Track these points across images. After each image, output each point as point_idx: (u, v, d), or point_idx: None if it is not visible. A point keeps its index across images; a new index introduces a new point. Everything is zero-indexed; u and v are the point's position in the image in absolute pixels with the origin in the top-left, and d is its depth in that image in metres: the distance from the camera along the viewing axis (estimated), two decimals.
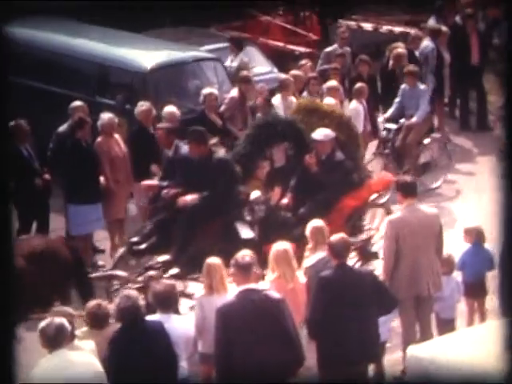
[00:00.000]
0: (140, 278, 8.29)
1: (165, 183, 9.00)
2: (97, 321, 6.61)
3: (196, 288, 8.20)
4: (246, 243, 7.96)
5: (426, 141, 11.93)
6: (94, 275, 8.60)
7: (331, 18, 16.34)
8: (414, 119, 11.71)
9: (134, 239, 8.87)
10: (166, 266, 8.45)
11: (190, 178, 8.80)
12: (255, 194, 8.83)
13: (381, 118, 11.94)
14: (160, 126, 9.68)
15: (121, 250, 9.04)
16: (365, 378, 6.99)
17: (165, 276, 8.03)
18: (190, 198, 8.66)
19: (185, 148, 9.22)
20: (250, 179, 9.13)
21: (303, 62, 12.76)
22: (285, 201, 9.06)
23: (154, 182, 9.28)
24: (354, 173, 9.23)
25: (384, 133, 11.94)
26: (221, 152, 9.10)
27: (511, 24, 10.87)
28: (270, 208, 8.88)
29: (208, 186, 8.67)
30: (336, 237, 7.07)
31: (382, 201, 9.52)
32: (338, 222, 8.17)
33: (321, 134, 9.08)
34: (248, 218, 8.75)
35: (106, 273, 8.81)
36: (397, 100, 11.89)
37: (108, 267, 9.14)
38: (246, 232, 8.59)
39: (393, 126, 11.78)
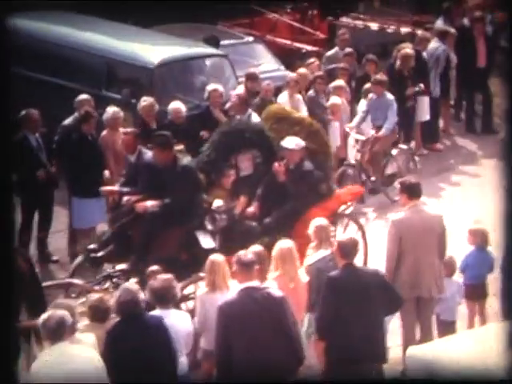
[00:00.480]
0: (97, 287, 8.08)
1: (126, 189, 8.73)
2: (98, 314, 6.62)
3: None
4: (207, 253, 7.69)
5: (394, 152, 11.61)
6: (50, 283, 8.26)
7: (333, 16, 16.27)
8: (382, 131, 11.35)
9: (92, 246, 8.58)
10: (125, 274, 8.24)
11: (153, 185, 8.51)
12: (217, 203, 8.59)
13: (347, 129, 11.57)
14: (125, 131, 9.37)
15: (79, 258, 8.76)
16: (371, 378, 6.97)
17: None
18: (149, 204, 8.37)
19: (148, 154, 8.89)
20: (214, 187, 8.88)
21: (311, 60, 12.73)
22: (251, 209, 8.79)
23: (115, 187, 8.95)
24: (323, 183, 9.02)
25: (352, 144, 11.60)
26: (185, 159, 8.68)
27: None
28: (232, 217, 8.63)
29: (170, 194, 8.37)
30: (345, 237, 7.08)
31: (348, 211, 9.38)
32: (304, 232, 7.78)
33: (291, 142, 8.86)
34: (210, 227, 8.49)
35: (62, 281, 8.51)
36: (363, 109, 11.55)
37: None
38: (206, 241, 8.32)
39: (361, 137, 11.43)
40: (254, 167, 9.09)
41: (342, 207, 9.31)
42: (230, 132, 9.15)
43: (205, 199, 8.62)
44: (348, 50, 12.94)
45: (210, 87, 10.99)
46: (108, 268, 8.62)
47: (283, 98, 11.48)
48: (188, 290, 8.11)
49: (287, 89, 11.58)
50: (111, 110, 10.16)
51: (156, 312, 6.60)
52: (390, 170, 11.60)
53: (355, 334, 6.75)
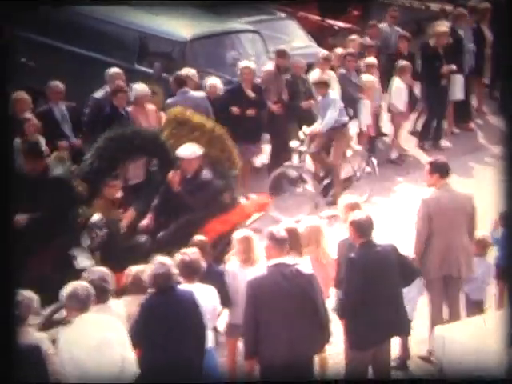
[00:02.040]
0: None
1: None
2: (134, 286, 6.65)
3: None
4: (82, 272, 6.82)
5: (348, 154, 10.83)
6: None
7: None
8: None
9: None
10: None
11: (22, 197, 7.50)
12: (95, 217, 7.79)
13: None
14: None
15: None
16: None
17: None
18: (15, 219, 7.47)
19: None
20: (98, 199, 8.09)
21: (352, 37, 12.56)
22: (144, 222, 8.12)
23: None
24: (224, 193, 8.31)
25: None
26: (59, 168, 7.98)
27: None
28: (116, 231, 7.89)
29: (40, 207, 7.67)
30: (359, 215, 6.97)
31: (254, 225, 8.41)
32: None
33: (186, 150, 8.17)
34: (87, 243, 7.77)
35: None
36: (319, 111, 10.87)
37: None
38: (82, 260, 7.66)
39: (302, 136, 10.68)
40: (147, 175, 8.51)
41: (249, 221, 8.45)
42: (117, 138, 8.37)
43: (81, 213, 7.88)
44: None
45: (241, 64, 10.95)
46: None
47: (315, 75, 11.45)
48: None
49: (318, 66, 11.53)
50: (138, 86, 10.06)
51: (182, 286, 6.59)
52: (344, 174, 10.83)
53: (379, 310, 6.74)
